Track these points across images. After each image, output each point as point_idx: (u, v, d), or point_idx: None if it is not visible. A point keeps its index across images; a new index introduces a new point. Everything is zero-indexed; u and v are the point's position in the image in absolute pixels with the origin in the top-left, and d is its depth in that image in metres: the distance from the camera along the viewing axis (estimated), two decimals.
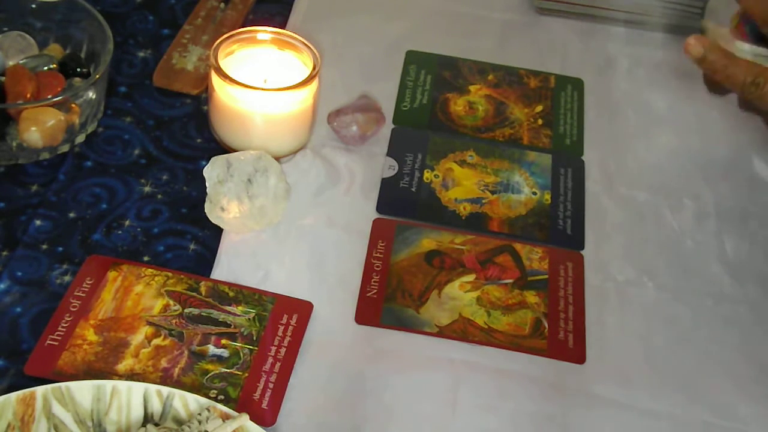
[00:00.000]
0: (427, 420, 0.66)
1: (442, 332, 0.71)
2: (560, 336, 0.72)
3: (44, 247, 0.73)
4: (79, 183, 0.78)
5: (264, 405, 0.65)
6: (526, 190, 0.82)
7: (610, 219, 0.82)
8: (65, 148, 0.79)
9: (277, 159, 0.78)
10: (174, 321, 0.69)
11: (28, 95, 0.77)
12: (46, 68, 0.80)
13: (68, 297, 0.69)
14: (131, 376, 0.65)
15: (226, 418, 0.60)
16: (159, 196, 0.78)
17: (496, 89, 0.92)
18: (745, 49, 0.77)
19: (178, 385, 0.65)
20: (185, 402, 0.61)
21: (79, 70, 0.81)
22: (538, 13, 1.01)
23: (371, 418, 0.66)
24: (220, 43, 0.80)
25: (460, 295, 0.74)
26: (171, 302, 0.70)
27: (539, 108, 0.90)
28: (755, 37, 0.78)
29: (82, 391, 0.61)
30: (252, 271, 0.73)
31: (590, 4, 1.00)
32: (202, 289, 0.71)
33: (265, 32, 0.82)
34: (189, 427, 0.59)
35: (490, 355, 0.70)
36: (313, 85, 0.80)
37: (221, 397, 0.65)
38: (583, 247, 0.79)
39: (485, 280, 0.75)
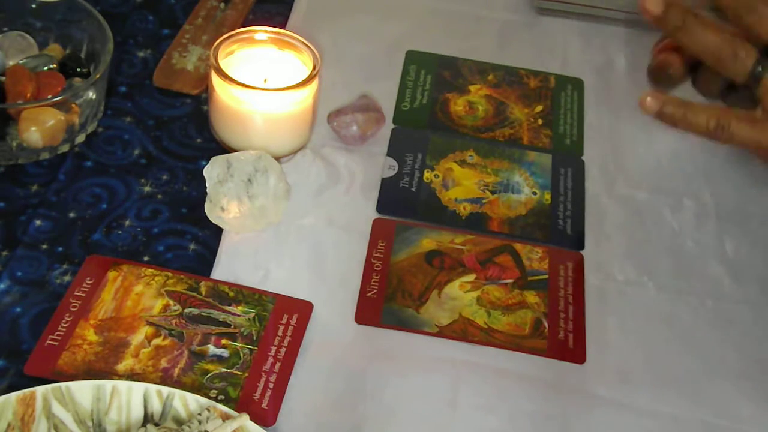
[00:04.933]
0: (427, 420, 0.66)
1: (442, 332, 0.71)
2: (560, 336, 0.72)
3: (44, 247, 0.73)
4: (79, 183, 0.78)
5: (264, 405, 0.65)
6: (526, 190, 0.82)
7: (610, 219, 0.82)
8: (65, 148, 0.79)
9: (277, 159, 0.78)
10: (174, 321, 0.69)
11: (28, 95, 0.77)
12: (46, 68, 0.80)
13: (68, 297, 0.69)
14: (131, 376, 0.65)
15: (226, 418, 0.60)
16: (159, 196, 0.78)
17: (496, 89, 0.92)
18: None
19: (178, 385, 0.65)
20: (185, 402, 0.61)
21: (79, 70, 0.81)
22: (538, 13, 1.01)
23: (371, 418, 0.66)
24: (220, 43, 0.80)
25: (460, 295, 0.74)
26: (171, 302, 0.70)
27: (539, 108, 0.90)
28: None
29: (82, 391, 0.61)
30: (252, 271, 0.73)
31: (590, 4, 1.00)
32: (202, 289, 0.71)
33: (264, 32, 0.82)
34: (189, 427, 0.59)
35: (490, 355, 0.70)
36: (313, 85, 0.80)
37: (221, 397, 0.65)
38: (583, 247, 0.79)
39: (485, 280, 0.75)
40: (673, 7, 0.63)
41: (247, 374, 0.66)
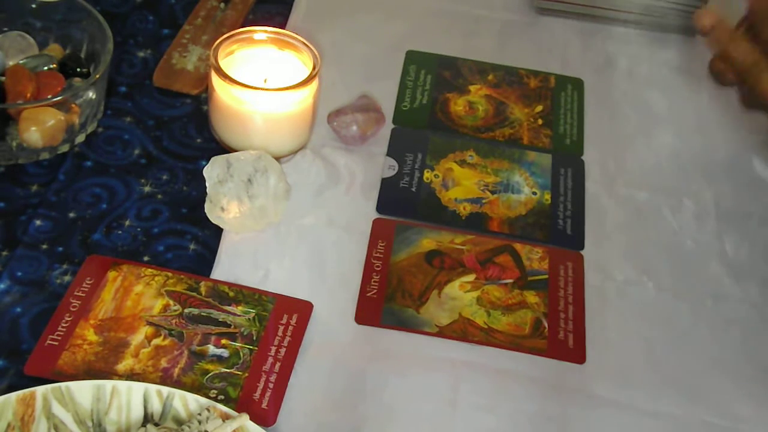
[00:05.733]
0: (427, 420, 0.66)
1: (442, 332, 0.71)
2: (560, 336, 0.72)
3: (44, 247, 0.73)
4: (79, 183, 0.78)
5: (264, 405, 0.65)
6: (526, 190, 0.82)
7: (610, 219, 0.82)
8: (65, 148, 0.79)
9: (277, 159, 0.78)
10: (174, 321, 0.69)
11: (28, 95, 0.77)
12: (46, 68, 0.80)
13: (68, 297, 0.69)
14: (131, 376, 0.65)
15: (226, 418, 0.60)
16: (159, 196, 0.78)
17: (496, 89, 0.92)
18: None
19: (178, 385, 0.65)
20: (185, 402, 0.61)
21: (79, 70, 0.81)
22: (538, 13, 1.01)
23: (371, 418, 0.66)
24: (220, 43, 0.80)
25: (460, 295, 0.74)
26: (171, 302, 0.70)
27: (539, 108, 0.90)
28: None
29: (82, 391, 0.61)
30: (252, 271, 0.73)
31: (590, 4, 1.00)
32: (202, 289, 0.71)
33: (264, 32, 0.82)
34: (189, 427, 0.59)
35: (490, 355, 0.70)
36: (313, 85, 0.80)
37: (221, 397, 0.65)
38: (583, 247, 0.79)
39: (485, 280, 0.75)
40: (720, 24, 0.71)
41: (247, 374, 0.66)
